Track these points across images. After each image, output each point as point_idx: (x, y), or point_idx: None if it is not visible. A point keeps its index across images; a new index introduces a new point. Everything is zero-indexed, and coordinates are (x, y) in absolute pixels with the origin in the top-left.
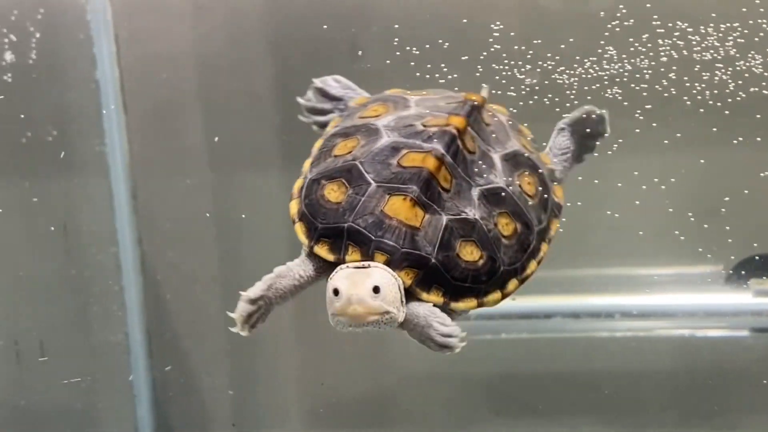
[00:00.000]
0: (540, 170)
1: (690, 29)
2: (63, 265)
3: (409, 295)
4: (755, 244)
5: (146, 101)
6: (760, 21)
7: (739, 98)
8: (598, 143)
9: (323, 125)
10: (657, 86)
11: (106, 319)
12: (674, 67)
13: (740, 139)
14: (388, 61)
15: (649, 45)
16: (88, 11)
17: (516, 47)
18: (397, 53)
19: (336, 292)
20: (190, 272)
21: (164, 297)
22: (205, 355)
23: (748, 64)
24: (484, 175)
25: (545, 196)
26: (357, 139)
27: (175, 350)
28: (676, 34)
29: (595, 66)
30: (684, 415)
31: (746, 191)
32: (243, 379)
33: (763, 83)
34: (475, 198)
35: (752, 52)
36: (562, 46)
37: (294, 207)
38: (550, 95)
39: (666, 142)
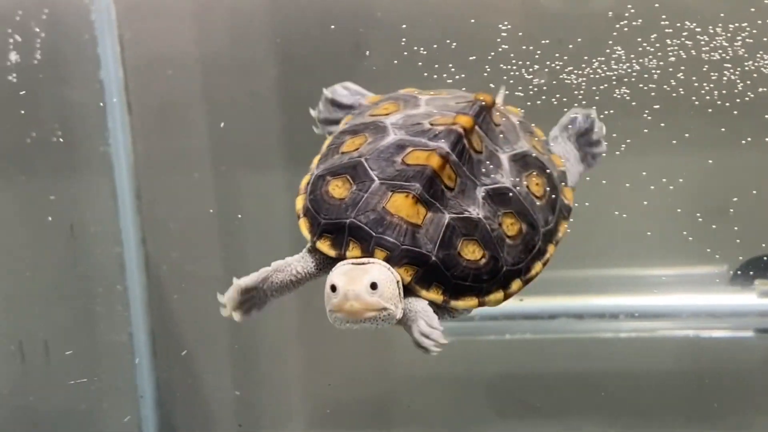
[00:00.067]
0: (549, 171)
1: (698, 29)
2: (67, 265)
3: (409, 292)
4: (763, 245)
5: (150, 101)
6: None
7: (747, 98)
8: (602, 144)
9: None
10: (665, 86)
11: (110, 319)
12: (682, 67)
13: (749, 139)
14: (395, 61)
15: (657, 45)
16: (93, 11)
17: (524, 47)
18: (405, 53)
19: (333, 288)
20: (194, 272)
21: (168, 297)
22: (209, 355)
23: (756, 64)
24: (491, 175)
25: (554, 197)
26: (365, 136)
27: (180, 350)
28: (685, 34)
29: (603, 66)
30: (689, 415)
31: (754, 191)
32: (247, 380)
33: None
34: (479, 197)
35: (761, 52)
36: (570, 46)
37: (299, 203)
38: (558, 95)
39: (674, 142)
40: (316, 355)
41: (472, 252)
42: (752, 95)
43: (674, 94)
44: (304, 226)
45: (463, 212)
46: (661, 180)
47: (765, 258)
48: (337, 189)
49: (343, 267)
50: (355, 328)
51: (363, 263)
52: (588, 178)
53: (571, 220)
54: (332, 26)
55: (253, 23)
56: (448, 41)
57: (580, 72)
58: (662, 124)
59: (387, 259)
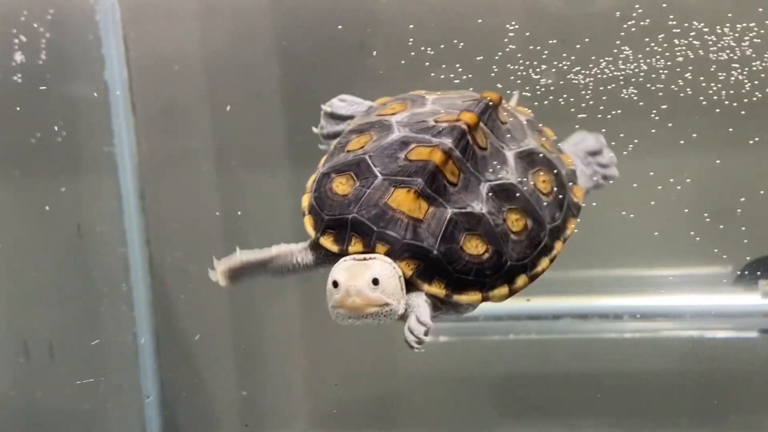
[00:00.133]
0: (557, 169)
1: (706, 29)
2: (72, 266)
3: (411, 287)
4: None
5: (155, 101)
6: None
7: (755, 98)
8: (613, 168)
9: None
10: (673, 86)
11: (114, 319)
12: (690, 67)
13: (756, 139)
14: (402, 62)
15: (665, 45)
16: (97, 12)
17: (531, 47)
18: (412, 53)
19: (335, 284)
20: (198, 273)
21: (172, 297)
22: (213, 355)
23: (764, 64)
24: (495, 172)
25: (561, 194)
26: (370, 134)
27: (183, 350)
28: (692, 34)
29: (610, 66)
30: (693, 416)
31: (762, 191)
32: (251, 380)
33: None
34: (483, 193)
35: None
36: (578, 46)
37: (305, 201)
38: (565, 95)
39: (682, 142)
40: (320, 355)
41: (474, 246)
42: (760, 95)
43: (682, 94)
44: (308, 223)
45: (466, 207)
46: (668, 180)
47: None
48: (341, 186)
49: (345, 263)
50: (357, 324)
51: (365, 259)
52: (595, 178)
53: (578, 220)
54: (339, 26)
55: (257, 24)
56: (455, 41)
57: (587, 72)
58: (670, 124)
59: (388, 253)
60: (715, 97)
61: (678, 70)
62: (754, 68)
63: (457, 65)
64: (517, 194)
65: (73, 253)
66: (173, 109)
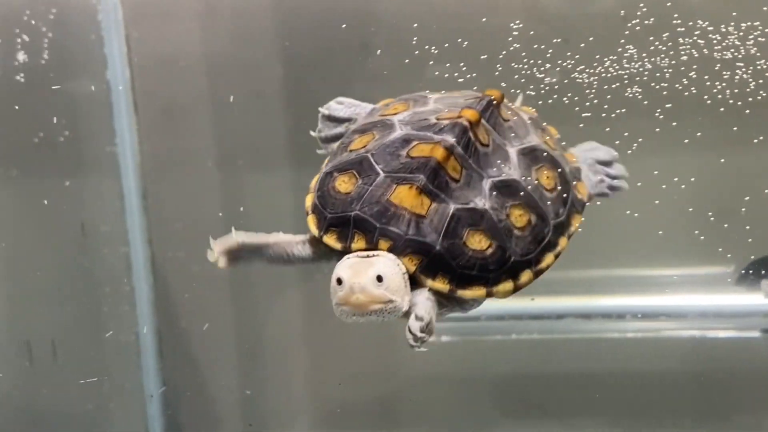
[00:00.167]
0: (560, 165)
1: (710, 28)
2: (75, 266)
3: (416, 283)
4: None
5: (157, 101)
6: None
7: (759, 97)
8: (622, 181)
9: None
10: (677, 85)
11: (117, 319)
12: (694, 66)
13: (760, 138)
14: (407, 60)
15: (669, 44)
16: (100, 12)
17: (535, 46)
18: (416, 52)
19: (339, 281)
20: (200, 272)
21: (175, 297)
22: (215, 355)
23: None
24: (498, 168)
25: (565, 190)
26: (373, 134)
27: (186, 350)
28: (697, 32)
29: (615, 65)
30: (695, 416)
31: (766, 190)
32: (254, 380)
33: None
34: (486, 189)
35: None
36: (582, 45)
37: (308, 201)
38: (569, 94)
39: (686, 141)
40: (323, 354)
41: (478, 242)
42: (764, 94)
43: (686, 93)
44: (311, 222)
45: (469, 203)
46: (672, 179)
47: None
48: (344, 184)
49: (349, 260)
50: (361, 321)
51: (368, 256)
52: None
53: (583, 219)
54: (343, 25)
55: (259, 24)
56: (459, 40)
57: (591, 71)
58: (674, 123)
59: (391, 249)
60: (720, 96)
61: (682, 69)
62: (759, 67)
63: (461, 64)
64: (520, 190)
65: (75, 252)
66: (175, 109)
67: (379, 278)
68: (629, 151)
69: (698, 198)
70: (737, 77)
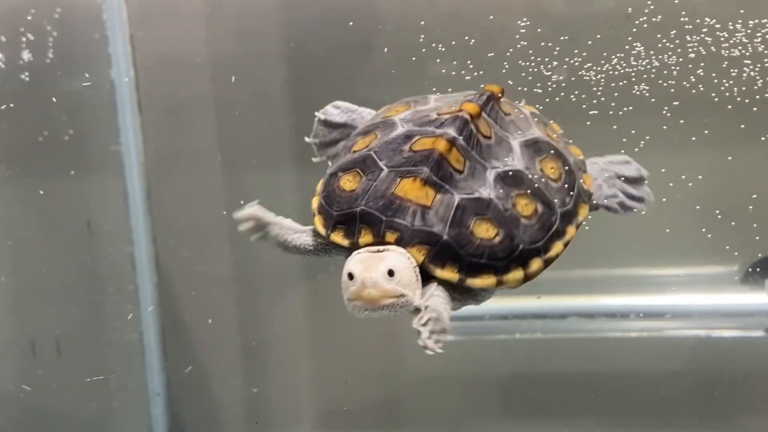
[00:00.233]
0: (564, 156)
1: (718, 25)
2: (79, 265)
3: (426, 276)
4: None
5: (161, 101)
6: None
7: (767, 95)
8: (642, 201)
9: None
10: (685, 83)
11: (121, 317)
12: (702, 64)
13: None
14: (413, 58)
15: (676, 41)
16: (104, 11)
17: (542, 44)
18: (423, 50)
19: (351, 276)
20: (204, 271)
21: (179, 296)
22: (219, 354)
23: None
24: (501, 159)
25: (570, 180)
26: (375, 134)
27: (190, 349)
28: (704, 30)
29: (622, 62)
30: (699, 415)
31: None
32: (257, 379)
33: None
34: (490, 179)
35: None
36: (589, 42)
37: (315, 202)
38: (576, 92)
39: (693, 139)
40: (328, 353)
41: (485, 230)
42: None
43: (693, 91)
44: (318, 222)
45: (474, 193)
46: (680, 177)
47: None
48: (348, 183)
49: (360, 255)
50: (374, 316)
51: (379, 251)
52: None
53: (589, 217)
54: (350, 23)
55: (263, 23)
56: (466, 38)
57: (599, 68)
58: (681, 121)
59: (398, 241)
60: (727, 94)
61: (690, 66)
62: (766, 64)
63: (468, 62)
64: (525, 180)
65: (80, 251)
66: (180, 108)
67: (391, 272)
68: (636, 149)
69: (705, 196)
70: (745, 75)
